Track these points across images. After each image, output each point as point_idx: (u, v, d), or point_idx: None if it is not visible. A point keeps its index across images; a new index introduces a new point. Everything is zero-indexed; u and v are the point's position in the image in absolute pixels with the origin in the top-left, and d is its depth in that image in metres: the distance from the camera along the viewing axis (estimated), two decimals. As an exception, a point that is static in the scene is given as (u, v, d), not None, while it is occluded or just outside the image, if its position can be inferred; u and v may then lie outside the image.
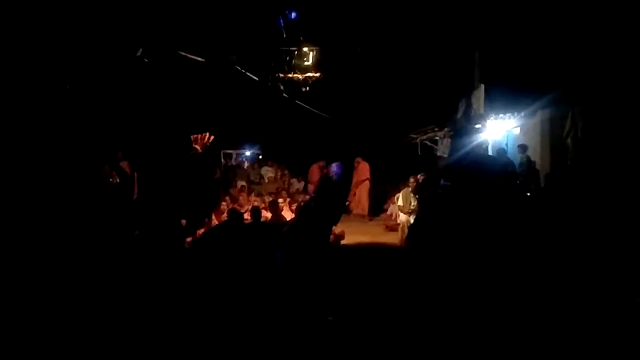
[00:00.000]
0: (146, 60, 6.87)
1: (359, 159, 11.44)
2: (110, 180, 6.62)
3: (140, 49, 6.77)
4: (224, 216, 8.82)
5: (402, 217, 8.30)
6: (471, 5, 8.26)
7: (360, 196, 11.27)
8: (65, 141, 4.74)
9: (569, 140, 8.77)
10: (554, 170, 8.46)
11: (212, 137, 3.72)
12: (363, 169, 11.38)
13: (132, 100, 6.02)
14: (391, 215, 10.12)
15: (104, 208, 4.18)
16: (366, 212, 11.15)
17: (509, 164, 8.07)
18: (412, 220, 7.93)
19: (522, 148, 8.78)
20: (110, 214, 4.26)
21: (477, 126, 8.43)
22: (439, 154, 11.62)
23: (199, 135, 3.70)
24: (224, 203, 10.26)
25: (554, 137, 9.08)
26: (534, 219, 4.94)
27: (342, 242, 8.00)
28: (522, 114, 9.22)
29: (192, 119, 6.99)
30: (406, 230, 7.74)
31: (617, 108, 8.04)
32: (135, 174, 6.92)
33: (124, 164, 7.20)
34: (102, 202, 4.13)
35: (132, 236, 3.69)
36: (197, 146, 3.66)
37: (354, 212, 11.29)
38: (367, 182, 11.39)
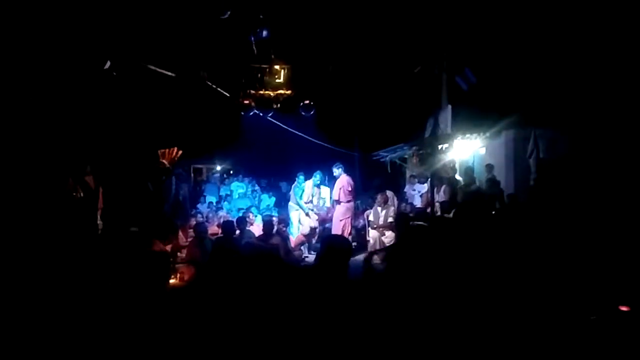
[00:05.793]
0: (114, 74, 6.77)
1: (340, 173, 8.95)
2: (74, 194, 6.42)
3: (109, 62, 6.68)
4: (191, 232, 8.67)
5: (372, 233, 8.37)
6: (439, 29, 8.53)
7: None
8: (28, 153, 4.60)
9: (531, 160, 9.10)
10: (517, 189, 8.72)
11: (179, 152, 3.71)
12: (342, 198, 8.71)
13: (99, 113, 5.92)
14: (362, 231, 10.14)
15: (68, 222, 4.05)
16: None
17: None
18: (382, 238, 8.03)
19: (489, 168, 9.04)
20: (74, 228, 4.13)
21: (445, 146, 8.62)
22: (409, 173, 11.77)
23: (167, 150, 3.68)
24: (192, 219, 10.09)
25: (517, 158, 9.38)
26: (498, 237, 5.04)
27: (307, 259, 8.05)
28: (488, 134, 9.49)
29: (161, 134, 6.91)
30: (376, 246, 7.81)
31: (577, 130, 8.40)
32: (100, 188, 6.75)
33: (89, 178, 7.03)
34: (65, 216, 4.01)
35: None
36: (164, 160, 3.64)
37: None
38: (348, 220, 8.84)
